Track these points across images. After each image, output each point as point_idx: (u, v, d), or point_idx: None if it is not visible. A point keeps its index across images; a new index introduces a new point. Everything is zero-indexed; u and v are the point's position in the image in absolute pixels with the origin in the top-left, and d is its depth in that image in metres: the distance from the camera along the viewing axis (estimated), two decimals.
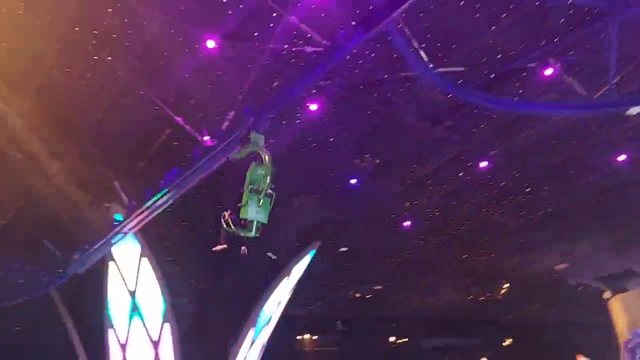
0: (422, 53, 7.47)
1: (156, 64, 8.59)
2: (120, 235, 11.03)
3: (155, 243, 12.15)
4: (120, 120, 9.97)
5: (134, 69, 8.65)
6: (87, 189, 11.46)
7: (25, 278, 14.45)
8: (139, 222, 10.54)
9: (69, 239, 12.53)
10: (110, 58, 8.40)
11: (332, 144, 10.71)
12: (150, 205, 9.92)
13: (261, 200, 7.00)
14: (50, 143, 10.46)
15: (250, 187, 7.00)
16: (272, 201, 7.07)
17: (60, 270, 13.61)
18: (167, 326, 12.08)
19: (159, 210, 10.00)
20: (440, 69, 7.83)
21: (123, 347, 12.48)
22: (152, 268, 12.12)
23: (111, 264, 12.44)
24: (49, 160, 10.87)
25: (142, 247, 12.17)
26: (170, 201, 9.69)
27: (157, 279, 12.07)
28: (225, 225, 7.05)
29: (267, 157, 7.14)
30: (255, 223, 7.01)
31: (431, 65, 7.62)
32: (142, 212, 10.15)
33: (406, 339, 27.57)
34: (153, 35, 7.93)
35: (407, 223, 14.71)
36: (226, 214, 7.07)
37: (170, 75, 8.81)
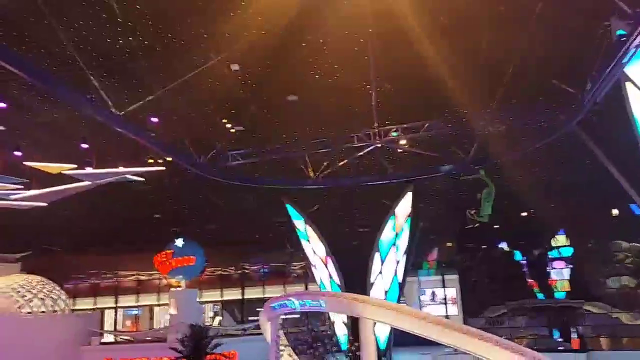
0: None
1: None
2: (631, 51, 10.01)
3: None
4: None
5: None
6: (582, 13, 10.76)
7: (546, 120, 15.30)
8: None
9: (574, 72, 12.31)
10: None
11: None
12: None
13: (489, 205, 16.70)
14: None
15: (483, 200, 16.60)
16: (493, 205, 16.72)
17: (575, 105, 13.65)
18: None
19: None
20: None
21: None
22: None
23: (628, 84, 11.42)
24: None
25: None
26: None
27: None
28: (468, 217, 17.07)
29: (490, 184, 16.61)
30: (486, 215, 16.77)
31: None
32: None
33: None
34: None
35: None
36: (470, 212, 16.92)
37: None
